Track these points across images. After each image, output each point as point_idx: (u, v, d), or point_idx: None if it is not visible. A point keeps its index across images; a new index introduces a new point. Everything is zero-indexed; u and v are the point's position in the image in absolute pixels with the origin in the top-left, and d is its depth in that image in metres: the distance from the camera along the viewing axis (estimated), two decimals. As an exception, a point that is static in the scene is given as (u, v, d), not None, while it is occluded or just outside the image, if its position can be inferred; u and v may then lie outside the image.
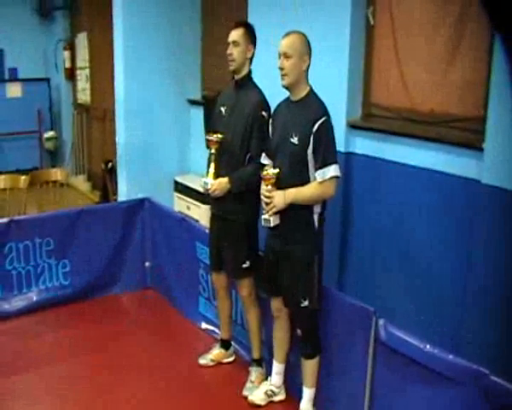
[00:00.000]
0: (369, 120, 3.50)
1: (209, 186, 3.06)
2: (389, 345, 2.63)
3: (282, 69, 2.79)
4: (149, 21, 4.80)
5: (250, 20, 4.19)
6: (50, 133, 7.63)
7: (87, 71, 7.20)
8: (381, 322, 2.68)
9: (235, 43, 3.05)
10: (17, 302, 4.11)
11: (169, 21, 4.89)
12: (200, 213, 4.62)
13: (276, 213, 2.80)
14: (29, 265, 4.16)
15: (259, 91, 3.09)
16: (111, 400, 3.23)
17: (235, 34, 3.06)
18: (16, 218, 4.16)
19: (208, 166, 3.14)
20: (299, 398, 3.04)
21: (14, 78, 7.78)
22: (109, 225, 4.38)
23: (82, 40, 7.23)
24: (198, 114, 5.00)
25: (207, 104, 4.86)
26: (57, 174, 4.89)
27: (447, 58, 3.05)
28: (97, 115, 7.03)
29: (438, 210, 3.08)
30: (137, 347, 3.79)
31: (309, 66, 2.82)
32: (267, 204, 2.80)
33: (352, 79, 3.46)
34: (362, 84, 3.51)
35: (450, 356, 2.40)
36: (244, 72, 3.10)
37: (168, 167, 5.05)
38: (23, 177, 4.68)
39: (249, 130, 3.01)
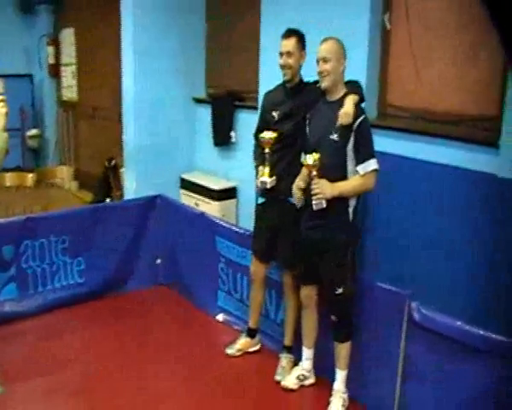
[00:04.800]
0: (385, 120, 3.72)
1: (268, 185, 3.20)
2: (424, 326, 2.85)
3: (321, 72, 2.98)
4: (158, 22, 4.89)
5: (263, 24, 4.36)
6: (34, 131, 7.48)
7: (73, 67, 7.13)
8: (414, 305, 2.91)
9: (289, 53, 3.13)
10: (33, 302, 4.10)
11: (176, 22, 4.99)
12: (210, 210, 4.73)
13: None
14: (44, 263, 4.16)
15: (315, 85, 3.13)
16: (142, 394, 3.27)
17: (289, 44, 3.13)
18: (32, 216, 4.17)
19: (262, 165, 3.26)
20: (329, 380, 3.24)
21: (-7, 73, 7.58)
22: (123, 223, 4.44)
23: (68, 36, 7.15)
24: (204, 112, 5.12)
25: (215, 103, 5.00)
26: (63, 172, 4.88)
27: (463, 60, 3.30)
28: (86, 113, 6.97)
29: (455, 203, 3.33)
30: (160, 342, 3.86)
31: (345, 68, 3.03)
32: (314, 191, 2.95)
33: (368, 80, 3.66)
34: (378, 85, 3.74)
35: (482, 331, 2.62)
36: (298, 78, 3.22)
37: (174, 165, 5.14)
38: (30, 175, 4.66)
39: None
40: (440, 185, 3.37)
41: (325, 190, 2.93)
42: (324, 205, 2.95)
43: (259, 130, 3.34)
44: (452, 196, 3.32)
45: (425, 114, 3.54)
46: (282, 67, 3.17)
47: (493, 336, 2.61)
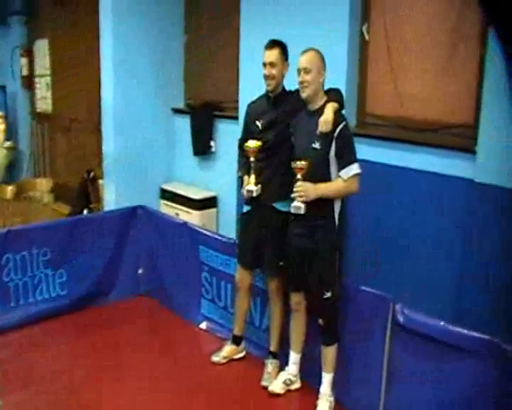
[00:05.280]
0: (365, 128, 3.83)
1: (254, 194, 3.25)
2: (407, 327, 2.92)
3: (302, 83, 3.06)
4: (137, 33, 4.93)
5: (242, 34, 4.43)
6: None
7: (48, 79, 7.05)
8: (398, 307, 2.99)
9: (272, 64, 3.19)
10: (15, 315, 4.03)
11: (155, 32, 5.04)
12: (191, 219, 4.75)
13: (304, 203, 3.02)
14: (26, 276, 4.11)
15: (298, 94, 3.15)
16: (127, 406, 3.26)
17: (272, 55, 3.19)
18: (13, 228, 4.11)
19: (247, 174, 3.31)
20: (314, 384, 3.28)
21: (-35, 85, 7.48)
22: (105, 234, 4.42)
23: (42, 47, 7.07)
24: (183, 122, 5.15)
25: (194, 113, 5.04)
26: (42, 184, 4.83)
27: (440, 70, 3.43)
28: (62, 125, 6.90)
29: (434, 206, 3.44)
30: (145, 352, 3.84)
31: (325, 78, 3.11)
32: (298, 192, 3.02)
33: (348, 90, 3.75)
34: (357, 95, 3.84)
35: (464, 330, 2.71)
36: (280, 88, 3.28)
37: (154, 176, 5.17)
38: (10, 187, 4.61)
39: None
40: (421, 191, 3.48)
41: (309, 191, 3.01)
42: (303, 211, 3.02)
43: (244, 140, 3.38)
44: (428, 201, 3.44)
45: (404, 123, 3.65)
46: (266, 77, 3.23)
47: (476, 335, 2.68)
